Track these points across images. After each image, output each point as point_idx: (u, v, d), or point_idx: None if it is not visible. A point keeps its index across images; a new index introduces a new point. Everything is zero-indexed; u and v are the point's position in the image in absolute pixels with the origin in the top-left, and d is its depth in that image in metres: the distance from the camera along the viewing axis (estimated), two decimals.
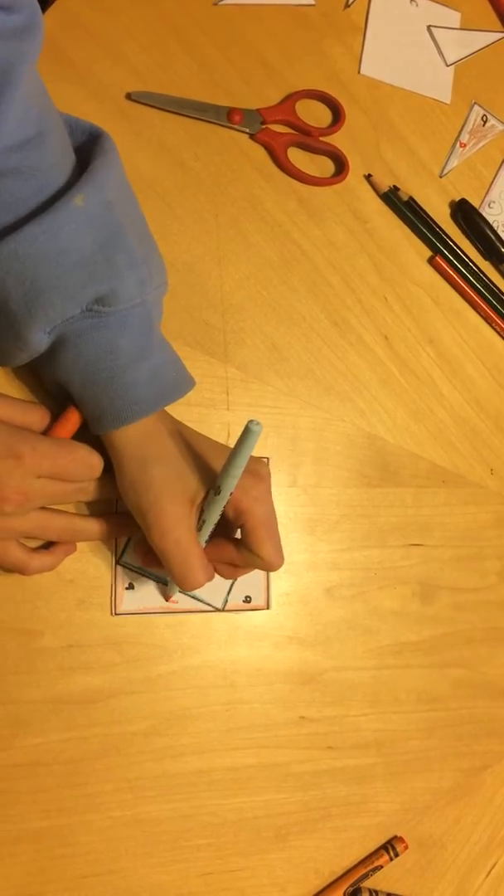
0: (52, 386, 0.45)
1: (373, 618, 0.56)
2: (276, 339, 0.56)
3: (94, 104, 0.53)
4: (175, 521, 0.42)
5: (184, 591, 0.49)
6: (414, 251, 0.61)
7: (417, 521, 0.58)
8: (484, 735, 0.58)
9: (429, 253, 0.61)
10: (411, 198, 0.60)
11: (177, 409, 0.52)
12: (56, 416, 0.45)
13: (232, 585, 0.52)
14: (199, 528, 0.43)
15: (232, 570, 0.47)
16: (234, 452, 0.38)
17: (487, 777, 0.58)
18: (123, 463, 0.43)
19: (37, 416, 0.44)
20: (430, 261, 0.61)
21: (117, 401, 0.42)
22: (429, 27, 0.64)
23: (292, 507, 0.55)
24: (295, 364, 0.56)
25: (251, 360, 0.55)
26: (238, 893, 0.51)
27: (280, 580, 0.54)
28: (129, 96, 0.54)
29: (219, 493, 0.41)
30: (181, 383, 0.46)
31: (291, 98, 0.58)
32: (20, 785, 0.47)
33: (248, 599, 0.53)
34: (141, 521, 0.43)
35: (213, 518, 0.43)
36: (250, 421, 0.35)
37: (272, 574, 0.53)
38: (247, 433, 0.36)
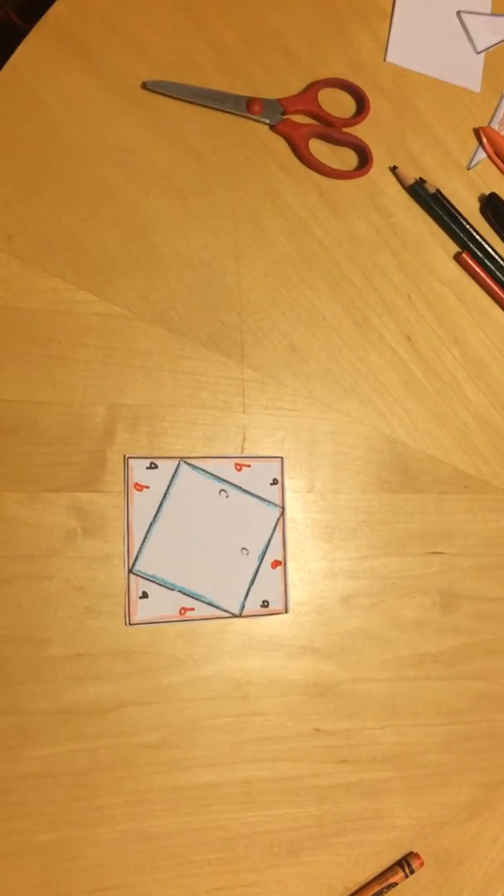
0: None
1: (391, 628, 0.54)
2: (294, 338, 0.54)
3: (108, 93, 0.51)
4: None
5: None
6: (439, 247, 0.59)
7: (438, 529, 0.56)
8: None
9: (455, 249, 0.59)
10: (438, 190, 0.58)
11: (191, 412, 0.51)
12: None
13: (249, 590, 0.50)
14: None
15: None
16: None
17: None
18: None
19: None
20: (457, 257, 0.59)
21: None
22: (458, 12, 0.61)
23: (309, 513, 0.53)
24: (314, 365, 0.54)
25: (268, 361, 0.53)
26: None
27: (296, 588, 0.52)
28: (144, 85, 0.52)
29: None
30: None
31: (314, 87, 0.56)
32: (27, 797, 0.46)
33: (265, 604, 0.51)
34: None
35: None
36: None
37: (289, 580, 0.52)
38: None
